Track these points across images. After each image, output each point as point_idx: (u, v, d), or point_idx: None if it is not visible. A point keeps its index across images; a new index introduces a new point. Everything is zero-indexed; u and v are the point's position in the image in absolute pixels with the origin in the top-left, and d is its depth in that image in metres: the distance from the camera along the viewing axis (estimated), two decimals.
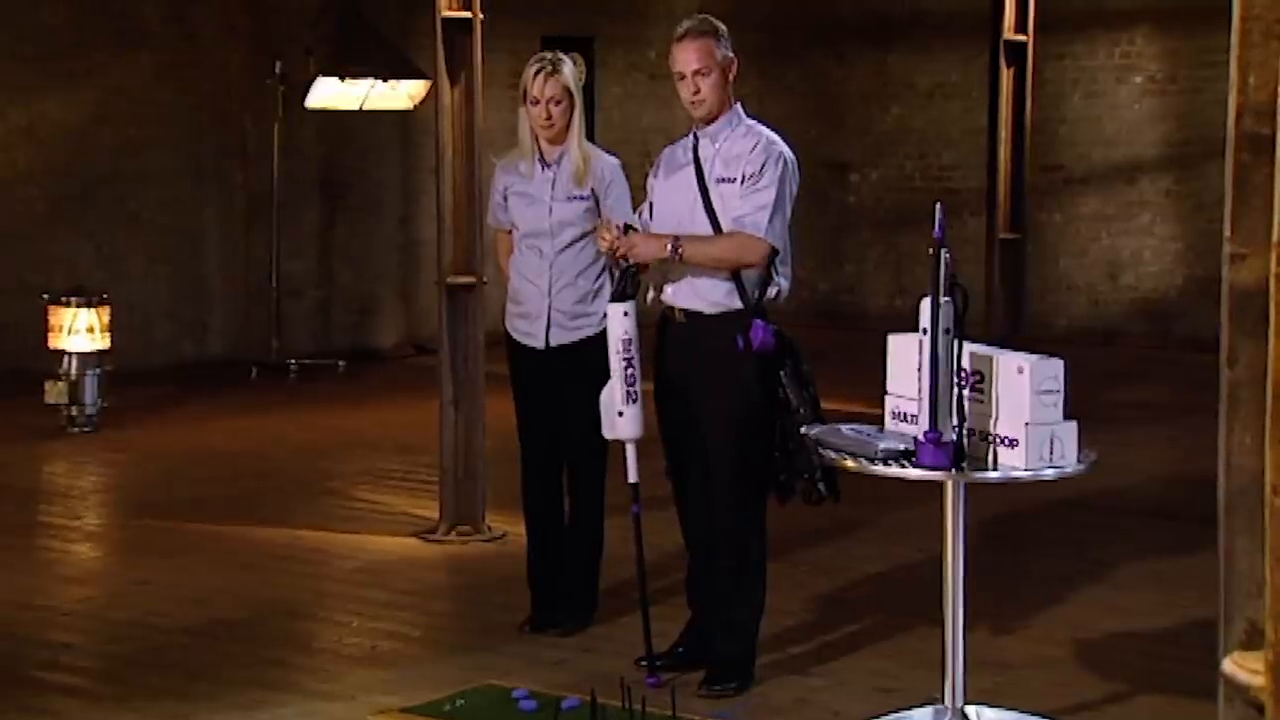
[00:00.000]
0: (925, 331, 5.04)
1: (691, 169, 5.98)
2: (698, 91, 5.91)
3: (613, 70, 16.60)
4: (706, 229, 5.92)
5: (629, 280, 5.90)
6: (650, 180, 6.18)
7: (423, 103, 13.34)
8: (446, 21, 8.43)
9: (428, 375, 9.99)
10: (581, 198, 6.63)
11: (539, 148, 6.68)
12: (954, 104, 16.54)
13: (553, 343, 6.67)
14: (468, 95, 8.37)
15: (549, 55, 6.66)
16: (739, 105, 6.06)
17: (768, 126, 6.08)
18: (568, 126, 6.61)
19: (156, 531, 8.58)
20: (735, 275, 5.89)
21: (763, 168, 5.86)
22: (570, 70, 6.63)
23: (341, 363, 13.92)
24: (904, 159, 16.80)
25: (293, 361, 13.61)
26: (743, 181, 5.87)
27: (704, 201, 5.93)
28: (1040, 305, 15.48)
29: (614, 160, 6.73)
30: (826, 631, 6.92)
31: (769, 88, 16.75)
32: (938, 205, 5.06)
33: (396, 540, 8.47)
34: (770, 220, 5.83)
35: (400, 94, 13.61)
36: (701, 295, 5.96)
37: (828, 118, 17.07)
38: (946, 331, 5.02)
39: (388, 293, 15.12)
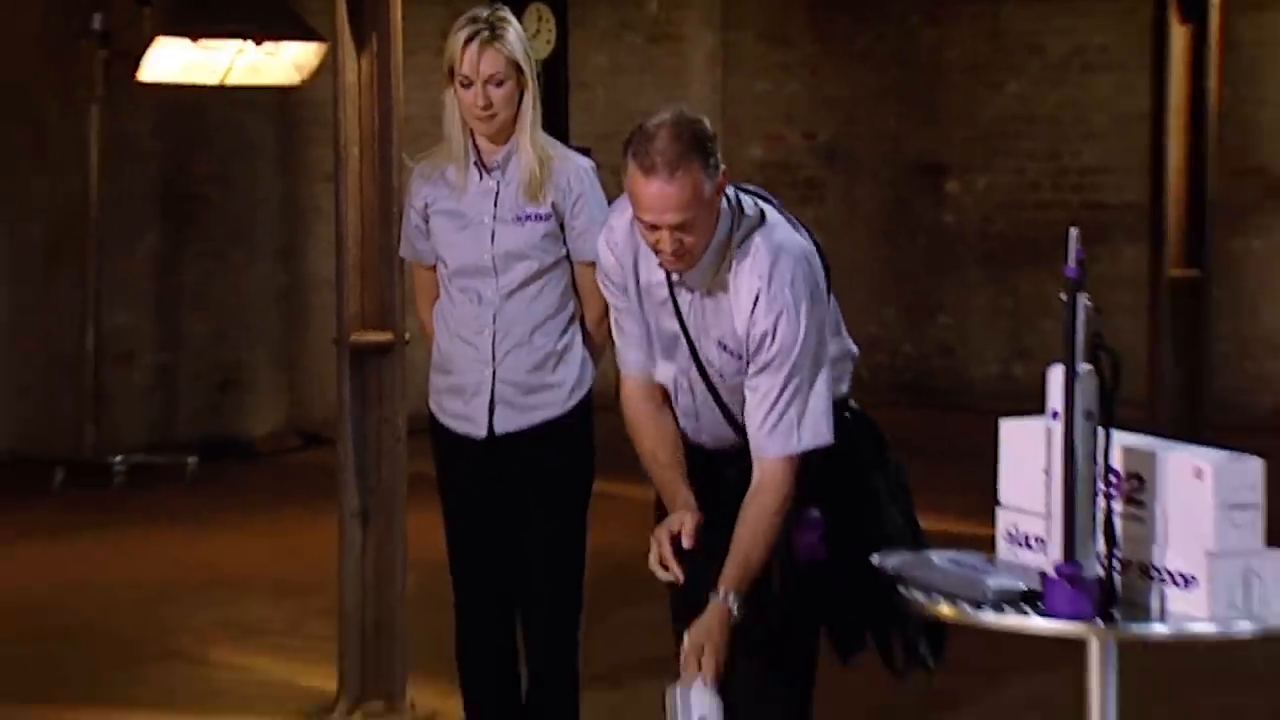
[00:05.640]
0: (1055, 415, 4.58)
1: (671, 309, 5.26)
2: (679, 247, 5.15)
3: (594, 31, 15.79)
4: (711, 408, 5.24)
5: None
6: (609, 266, 5.36)
7: (315, 76, 12.56)
8: None
9: (320, 479, 9.86)
10: (537, 216, 6.16)
11: (474, 148, 6.23)
12: (1102, 78, 15.32)
13: (499, 429, 6.18)
14: (382, 65, 8.12)
15: (486, 13, 6.18)
16: (727, 195, 5.21)
17: (767, 203, 5.27)
18: (515, 117, 6.17)
19: None
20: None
21: (772, 335, 5.05)
22: (518, 35, 6.22)
23: (192, 460, 12.81)
24: (1026, 159, 15.71)
25: (119, 460, 12.62)
26: (744, 358, 5.16)
27: (698, 368, 5.24)
28: (1230, 377, 14.78)
29: (585, 163, 6.41)
30: None
31: (827, 57, 15.84)
32: (1072, 230, 4.58)
33: None
34: (799, 423, 5.08)
35: (281, 64, 12.71)
36: (723, 442, 5.39)
37: (915, 99, 16.13)
38: (1088, 415, 4.53)
39: (261, 358, 14.21)
